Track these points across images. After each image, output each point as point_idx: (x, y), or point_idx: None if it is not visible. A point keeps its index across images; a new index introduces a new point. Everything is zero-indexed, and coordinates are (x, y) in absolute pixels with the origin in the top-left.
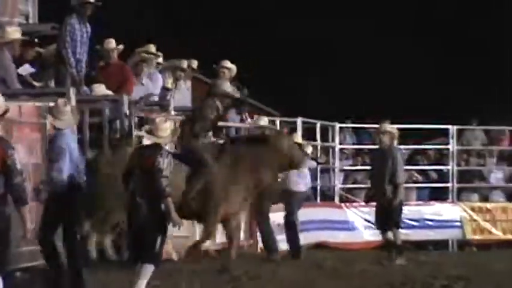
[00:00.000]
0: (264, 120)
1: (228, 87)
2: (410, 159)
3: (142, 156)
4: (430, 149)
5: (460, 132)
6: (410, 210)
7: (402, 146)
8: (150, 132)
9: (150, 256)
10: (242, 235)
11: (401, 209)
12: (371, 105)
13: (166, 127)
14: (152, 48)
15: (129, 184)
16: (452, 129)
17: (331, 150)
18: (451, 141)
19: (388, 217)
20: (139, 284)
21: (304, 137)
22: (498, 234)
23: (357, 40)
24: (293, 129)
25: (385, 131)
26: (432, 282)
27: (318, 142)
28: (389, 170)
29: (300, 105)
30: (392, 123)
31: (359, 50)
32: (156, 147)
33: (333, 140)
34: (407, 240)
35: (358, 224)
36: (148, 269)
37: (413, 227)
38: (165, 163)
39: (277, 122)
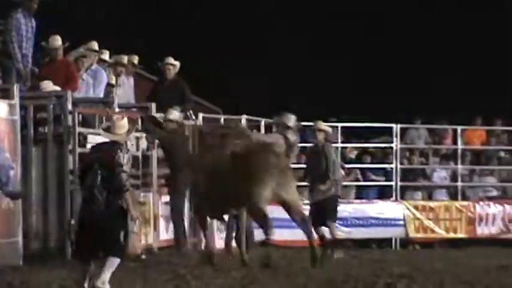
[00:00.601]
0: (174, 114)
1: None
2: (356, 158)
3: (101, 151)
4: (374, 148)
5: (403, 131)
6: (354, 209)
7: (346, 145)
8: (107, 129)
9: (115, 249)
10: (187, 233)
11: (336, 204)
12: (316, 103)
13: (124, 124)
14: (95, 45)
15: (85, 180)
16: (396, 127)
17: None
18: (394, 139)
19: (323, 212)
20: (103, 277)
21: None
22: (441, 232)
23: (303, 39)
24: None
25: (319, 129)
26: (375, 280)
27: None
28: (324, 167)
29: (245, 102)
30: (336, 121)
31: (304, 48)
32: (115, 143)
33: None
34: (350, 239)
35: None
36: (114, 262)
37: (356, 225)
38: (125, 158)
39: (221, 120)
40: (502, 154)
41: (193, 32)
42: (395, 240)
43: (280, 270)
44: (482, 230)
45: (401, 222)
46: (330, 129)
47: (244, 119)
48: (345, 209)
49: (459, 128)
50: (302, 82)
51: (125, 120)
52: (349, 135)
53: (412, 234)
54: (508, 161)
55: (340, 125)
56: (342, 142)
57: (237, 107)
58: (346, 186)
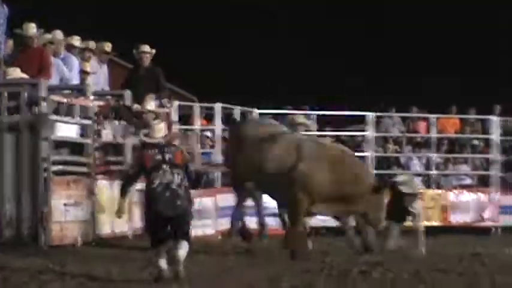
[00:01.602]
0: (150, 105)
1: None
2: None
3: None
4: (348, 136)
5: (378, 119)
6: None
7: (321, 133)
8: (147, 135)
9: (188, 236)
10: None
11: None
12: (291, 91)
13: (161, 128)
14: (59, 34)
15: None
16: (370, 116)
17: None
18: (369, 128)
19: None
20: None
21: (223, 122)
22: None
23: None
24: (211, 115)
25: (299, 123)
26: (350, 268)
27: None
28: None
29: (219, 90)
30: (311, 109)
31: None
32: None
33: None
34: (324, 227)
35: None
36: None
37: None
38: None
39: (196, 108)
40: (476, 142)
41: (168, 20)
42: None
43: (256, 259)
44: (456, 218)
45: None
46: (308, 122)
47: (219, 107)
48: None
49: (433, 117)
50: (277, 70)
51: (162, 124)
52: (323, 123)
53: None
54: (481, 150)
55: (314, 113)
56: (317, 130)
57: (213, 95)
58: None
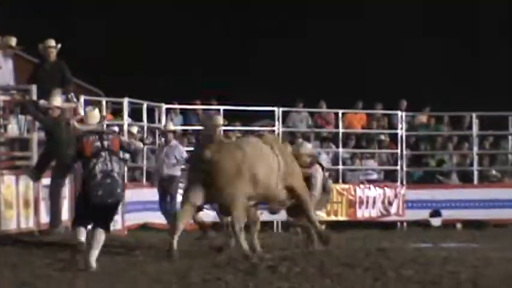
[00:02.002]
0: (57, 100)
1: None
2: None
3: (101, 140)
4: (256, 131)
5: (285, 114)
6: None
7: (229, 128)
8: (81, 121)
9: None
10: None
11: None
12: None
13: (96, 114)
14: None
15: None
16: (278, 111)
17: (157, 131)
18: (276, 123)
19: None
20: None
21: (130, 117)
22: (322, 215)
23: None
24: (119, 110)
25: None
26: (258, 262)
27: (145, 123)
28: None
29: (127, 85)
30: (219, 104)
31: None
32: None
33: (159, 121)
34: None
35: None
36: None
37: None
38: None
39: (103, 102)
40: (382, 137)
41: (75, 14)
42: (277, 223)
43: (159, 253)
44: (363, 213)
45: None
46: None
47: (126, 101)
48: None
49: (340, 112)
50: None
51: (97, 111)
52: (231, 118)
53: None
54: (388, 145)
55: (222, 108)
56: (225, 125)
57: (120, 90)
58: None
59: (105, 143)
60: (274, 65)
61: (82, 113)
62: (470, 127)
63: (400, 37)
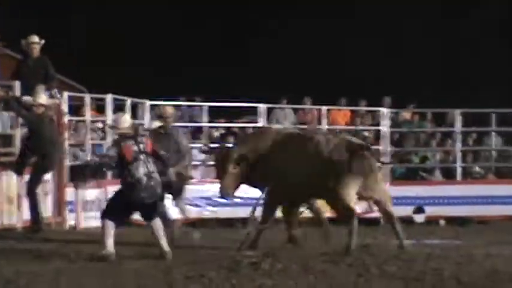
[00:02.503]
0: (41, 97)
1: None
2: (222, 139)
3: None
4: (240, 128)
5: (269, 111)
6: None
7: (212, 124)
8: (112, 127)
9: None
10: (50, 211)
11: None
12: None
13: (127, 119)
14: None
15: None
16: (262, 107)
17: (141, 128)
18: (260, 119)
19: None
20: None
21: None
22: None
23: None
24: (102, 106)
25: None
26: (240, 259)
27: None
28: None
29: (111, 81)
30: (203, 101)
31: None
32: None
33: (143, 118)
34: (216, 218)
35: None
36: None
37: (222, 204)
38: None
39: (86, 99)
40: (366, 134)
41: (57, 10)
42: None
43: (138, 250)
44: None
45: None
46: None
47: (110, 98)
48: (210, 189)
49: (324, 108)
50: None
51: (127, 115)
52: (215, 114)
53: (278, 213)
54: (372, 142)
55: (206, 104)
56: (208, 122)
57: (103, 86)
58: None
59: (141, 146)
60: (260, 61)
61: (66, 109)
62: (453, 124)
63: (390, 36)
